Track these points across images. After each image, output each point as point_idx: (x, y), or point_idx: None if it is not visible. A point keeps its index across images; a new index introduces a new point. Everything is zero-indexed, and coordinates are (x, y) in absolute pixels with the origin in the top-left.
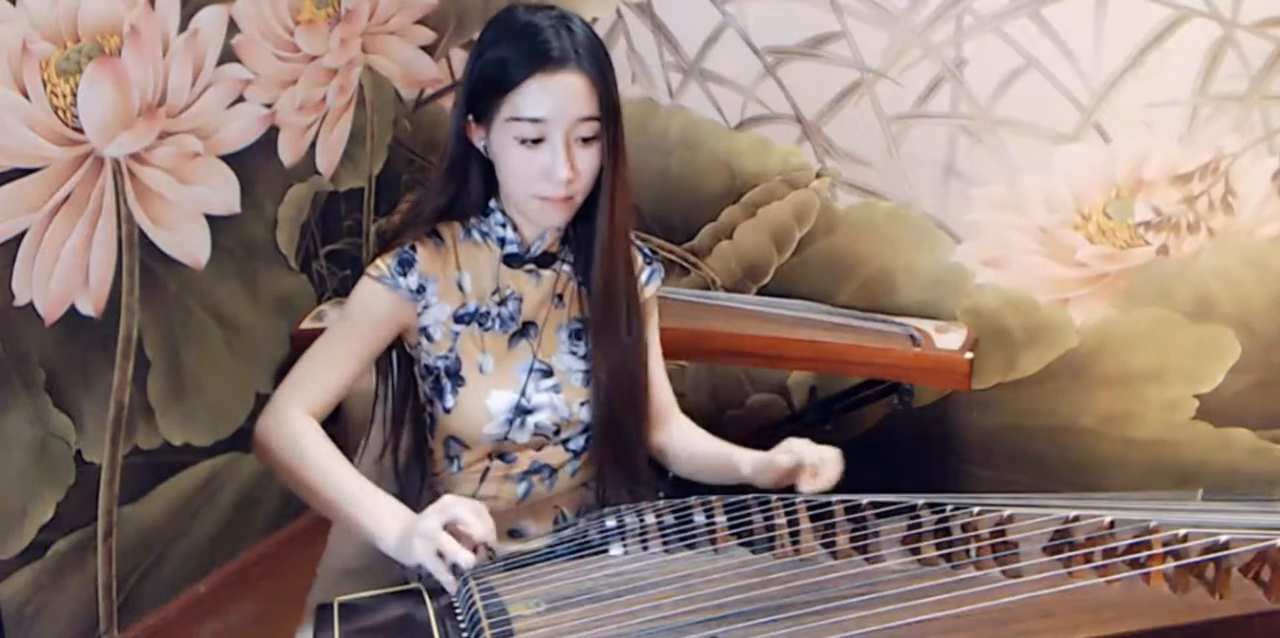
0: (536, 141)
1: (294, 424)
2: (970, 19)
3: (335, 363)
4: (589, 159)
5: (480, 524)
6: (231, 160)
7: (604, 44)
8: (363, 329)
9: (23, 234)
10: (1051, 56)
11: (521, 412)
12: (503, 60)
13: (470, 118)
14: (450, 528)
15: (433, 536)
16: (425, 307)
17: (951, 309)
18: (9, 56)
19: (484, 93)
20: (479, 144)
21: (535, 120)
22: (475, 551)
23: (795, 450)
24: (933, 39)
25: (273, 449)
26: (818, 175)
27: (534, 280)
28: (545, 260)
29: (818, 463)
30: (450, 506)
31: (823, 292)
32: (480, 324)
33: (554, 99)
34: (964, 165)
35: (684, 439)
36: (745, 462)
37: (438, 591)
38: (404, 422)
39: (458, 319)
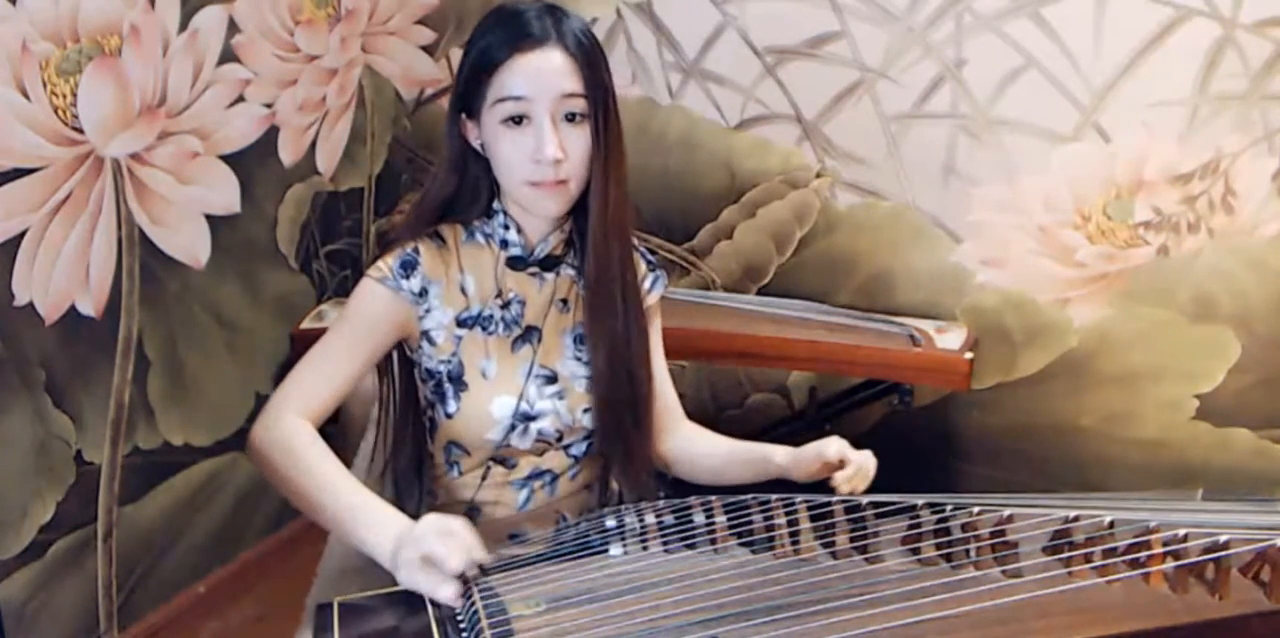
0: (521, 121)
1: (286, 428)
2: (970, 19)
3: (333, 366)
4: (577, 140)
5: (454, 557)
6: (231, 160)
7: (593, 32)
8: (362, 331)
9: (23, 234)
10: (1051, 56)
11: (525, 418)
12: (486, 47)
13: (464, 116)
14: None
15: (413, 582)
16: (428, 310)
17: (951, 309)
18: (9, 56)
19: (471, 83)
20: (474, 142)
21: (518, 98)
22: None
23: (840, 447)
24: (933, 39)
25: (265, 454)
26: (818, 175)
27: (537, 284)
28: (549, 263)
29: (862, 462)
30: (421, 539)
31: (823, 292)
32: (483, 328)
33: (535, 75)
34: (964, 165)
35: (699, 443)
36: (779, 452)
37: None
38: (406, 426)
39: (460, 323)
